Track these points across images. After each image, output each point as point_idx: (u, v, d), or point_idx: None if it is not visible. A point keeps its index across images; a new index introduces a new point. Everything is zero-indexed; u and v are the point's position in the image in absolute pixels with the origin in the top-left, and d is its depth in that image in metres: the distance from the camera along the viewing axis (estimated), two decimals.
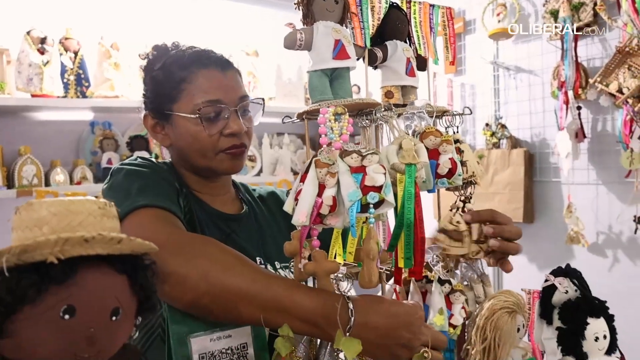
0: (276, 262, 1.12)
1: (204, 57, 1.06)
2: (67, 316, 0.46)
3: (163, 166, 1.07)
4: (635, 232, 2.03)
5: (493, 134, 2.53)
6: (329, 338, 0.75)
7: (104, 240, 0.47)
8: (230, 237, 1.09)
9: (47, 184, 2.16)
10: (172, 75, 1.04)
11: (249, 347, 0.86)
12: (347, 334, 0.71)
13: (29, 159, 2.09)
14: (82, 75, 2.23)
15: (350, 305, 0.73)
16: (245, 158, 1.11)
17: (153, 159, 1.09)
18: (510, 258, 1.00)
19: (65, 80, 2.18)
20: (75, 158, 2.35)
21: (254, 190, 1.28)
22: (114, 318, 0.50)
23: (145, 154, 2.35)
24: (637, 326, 1.97)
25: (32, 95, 2.08)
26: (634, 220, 2.02)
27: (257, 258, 1.10)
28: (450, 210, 0.99)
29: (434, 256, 0.91)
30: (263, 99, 1.13)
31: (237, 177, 2.95)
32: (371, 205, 0.74)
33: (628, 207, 2.09)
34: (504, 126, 2.51)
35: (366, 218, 0.75)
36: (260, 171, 2.85)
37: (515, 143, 2.50)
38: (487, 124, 2.57)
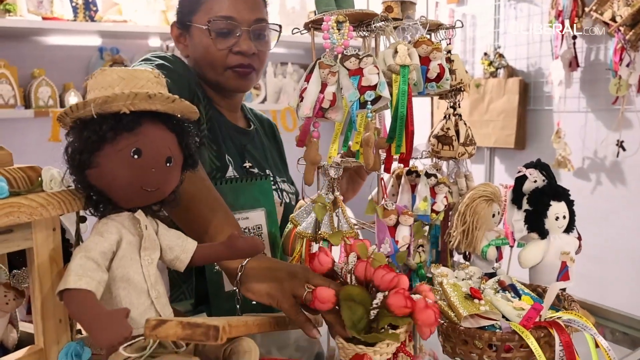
0: (277, 177, 1.24)
1: None
2: (135, 156, 0.60)
3: (186, 72, 1.10)
4: (617, 155, 2.16)
5: (491, 63, 2.60)
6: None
7: (162, 98, 0.60)
8: (246, 149, 1.20)
9: (62, 105, 2.26)
10: None
11: (264, 227, 1.00)
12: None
13: (44, 81, 2.18)
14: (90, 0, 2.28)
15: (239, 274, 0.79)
16: (254, 79, 1.17)
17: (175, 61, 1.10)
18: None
19: (74, 4, 2.23)
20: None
21: (251, 110, 1.37)
22: (168, 164, 0.63)
23: None
24: (615, 242, 2.14)
25: (43, 18, 2.14)
26: (617, 145, 2.14)
27: (267, 170, 1.22)
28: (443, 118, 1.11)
29: (423, 153, 1.03)
30: (280, 26, 1.17)
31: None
32: (368, 102, 0.86)
33: (613, 133, 2.21)
34: (501, 55, 2.58)
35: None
36: (265, 99, 2.94)
37: (511, 72, 2.57)
38: (485, 53, 2.63)
